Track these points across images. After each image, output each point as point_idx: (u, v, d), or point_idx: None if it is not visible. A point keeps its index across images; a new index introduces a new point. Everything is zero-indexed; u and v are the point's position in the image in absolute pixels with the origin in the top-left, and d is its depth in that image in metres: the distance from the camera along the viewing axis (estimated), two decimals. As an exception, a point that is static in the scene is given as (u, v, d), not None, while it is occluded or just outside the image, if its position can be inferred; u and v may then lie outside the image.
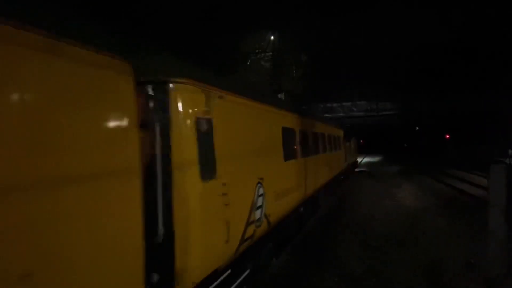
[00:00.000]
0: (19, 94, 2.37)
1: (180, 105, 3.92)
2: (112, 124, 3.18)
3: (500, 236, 6.72)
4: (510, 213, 6.68)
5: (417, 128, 57.98)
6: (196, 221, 4.07)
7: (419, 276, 7.06)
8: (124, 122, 3.30)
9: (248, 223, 5.53)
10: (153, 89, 3.77)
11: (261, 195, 6.10)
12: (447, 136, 47.72)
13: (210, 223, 4.39)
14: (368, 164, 44.10)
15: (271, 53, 25.92)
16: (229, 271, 4.95)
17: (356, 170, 32.07)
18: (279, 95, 22.58)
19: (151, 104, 3.77)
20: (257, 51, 25.31)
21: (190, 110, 4.08)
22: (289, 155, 8.15)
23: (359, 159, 40.26)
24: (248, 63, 25.24)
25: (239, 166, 5.37)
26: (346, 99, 36.79)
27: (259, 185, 6.03)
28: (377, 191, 18.70)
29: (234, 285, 5.14)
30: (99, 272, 2.96)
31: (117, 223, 3.14)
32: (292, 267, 7.40)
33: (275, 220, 6.98)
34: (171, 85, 3.87)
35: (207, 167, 4.30)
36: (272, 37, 25.16)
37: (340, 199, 16.62)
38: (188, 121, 4.04)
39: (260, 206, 6.06)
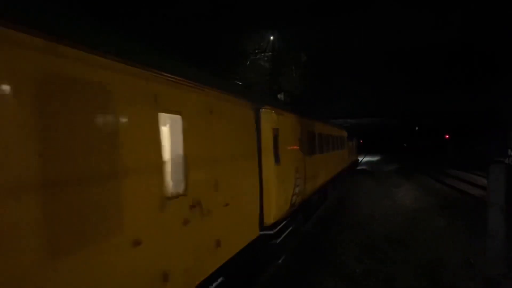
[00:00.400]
0: (229, 125, 5.65)
1: (264, 120, 7.07)
2: (249, 130, 6.61)
3: (499, 235, 6.74)
4: (509, 213, 6.69)
5: (416, 128, 58.02)
6: (270, 187, 7.08)
7: (419, 276, 7.08)
8: (252, 129, 6.75)
9: (292, 195, 8.62)
10: (254, 112, 6.88)
11: (298, 178, 9.19)
12: (447, 136, 47.75)
13: (277, 190, 7.38)
14: (368, 163, 44.22)
15: (270, 53, 25.91)
16: (284, 222, 7.93)
17: (358, 168, 34.13)
18: (279, 95, 22.58)
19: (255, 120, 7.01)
20: (256, 51, 25.30)
21: (269, 123, 7.20)
22: (311, 152, 11.37)
23: (359, 158, 43.12)
24: (248, 63, 25.23)
25: (288, 158, 8.35)
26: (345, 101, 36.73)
27: (295, 170, 9.03)
28: (377, 192, 18.71)
29: (285, 233, 7.93)
30: (250, 207, 6.57)
31: (255, 181, 6.76)
32: (314, 232, 10.78)
33: (304, 197, 10.07)
34: (262, 110, 7.07)
35: (276, 157, 7.41)
36: (271, 37, 25.16)
37: (343, 198, 16.64)
38: (268, 129, 7.18)
39: (298, 185, 9.12)
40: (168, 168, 4.19)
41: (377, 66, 36.20)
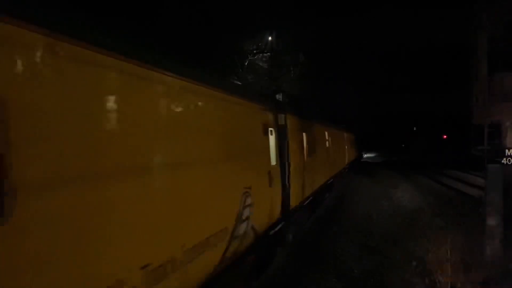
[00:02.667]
0: (253, 127, 6.93)
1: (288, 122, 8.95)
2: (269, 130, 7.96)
3: (496, 235, 6.77)
4: (506, 212, 6.73)
5: (414, 129, 58.17)
6: (294, 178, 9.03)
7: (415, 276, 7.10)
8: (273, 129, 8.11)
9: (304, 187, 10.40)
10: (274, 115, 8.34)
11: (311, 171, 11.44)
12: (445, 136, 47.91)
13: (296, 182, 9.34)
14: (369, 162, 44.46)
15: (269, 53, 25.92)
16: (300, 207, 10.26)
17: (362, 160, 45.24)
18: (277, 96, 22.51)
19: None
20: (255, 51, 25.30)
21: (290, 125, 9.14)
22: (320, 150, 13.90)
23: (362, 155, 52.83)
24: (246, 63, 25.24)
25: (309, 156, 11.34)
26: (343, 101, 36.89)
27: (309, 167, 11.24)
28: (375, 191, 18.77)
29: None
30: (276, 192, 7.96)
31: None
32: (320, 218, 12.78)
33: (314, 189, 12.02)
34: (287, 116, 8.84)
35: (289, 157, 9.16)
36: (270, 38, 25.16)
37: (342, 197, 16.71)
38: (290, 130, 9.00)
39: (313, 176, 11.79)
40: (270, 154, 7.61)
41: (376, 66, 36.33)
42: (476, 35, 13.30)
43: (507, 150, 7.17)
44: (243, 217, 5.75)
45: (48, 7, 2.82)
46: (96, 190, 2.89)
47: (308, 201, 10.95)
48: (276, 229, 7.58)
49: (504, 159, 7.11)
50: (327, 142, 15.71)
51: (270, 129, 7.64)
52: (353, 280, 7.07)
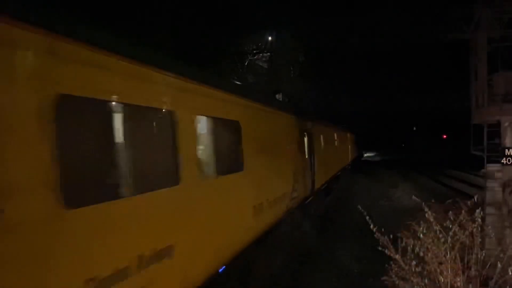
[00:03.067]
0: (298, 132, 10.79)
1: (314, 131, 12.88)
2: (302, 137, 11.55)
3: (496, 235, 6.77)
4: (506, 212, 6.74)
5: (414, 129, 58.17)
6: (317, 169, 12.68)
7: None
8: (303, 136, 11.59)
9: (322, 176, 13.88)
10: (306, 122, 11.83)
11: (327, 165, 15.18)
12: (445, 136, 47.92)
13: (320, 172, 13.33)
14: (369, 161, 44.52)
15: (269, 53, 25.89)
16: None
17: (362, 159, 49.33)
18: (277, 96, 22.59)
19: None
20: (255, 51, 25.28)
21: (311, 132, 12.35)
22: (332, 148, 17.32)
23: (363, 153, 56.76)
24: (246, 63, 25.22)
25: (324, 153, 14.79)
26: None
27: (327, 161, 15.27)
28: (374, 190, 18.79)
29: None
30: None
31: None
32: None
33: (327, 179, 15.69)
34: (313, 124, 12.65)
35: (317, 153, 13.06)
36: (270, 38, 25.14)
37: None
38: (314, 133, 12.64)
39: (327, 170, 15.38)
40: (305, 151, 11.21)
41: (376, 66, 36.27)
42: (476, 34, 13.29)
43: (506, 150, 7.19)
44: (294, 189, 9.75)
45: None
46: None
47: (324, 186, 15.17)
48: (308, 200, 11.77)
49: (504, 159, 7.12)
50: (336, 142, 19.78)
51: (305, 133, 11.48)
52: (349, 229, 10.94)
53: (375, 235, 4.63)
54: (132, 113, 3.66)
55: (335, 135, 19.52)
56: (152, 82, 3.97)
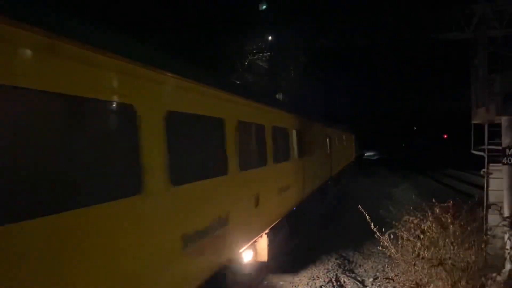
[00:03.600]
0: (322, 136, 14.99)
1: (328, 133, 16.56)
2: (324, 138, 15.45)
3: (497, 235, 6.76)
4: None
5: (415, 128, 58.14)
6: (334, 161, 17.76)
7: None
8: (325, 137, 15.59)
9: (336, 166, 18.48)
10: (326, 127, 16.42)
11: (337, 160, 19.31)
12: (445, 136, 47.88)
13: (334, 163, 17.79)
14: (370, 159, 44.57)
15: (269, 53, 25.87)
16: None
17: (363, 158, 52.55)
18: (277, 95, 22.56)
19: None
20: (255, 51, 25.26)
21: (328, 134, 16.40)
22: (340, 146, 20.36)
23: (364, 152, 59.11)
24: (246, 63, 25.20)
25: (336, 150, 18.71)
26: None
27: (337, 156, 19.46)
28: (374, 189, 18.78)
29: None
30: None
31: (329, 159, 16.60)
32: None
33: (339, 169, 19.99)
34: (328, 128, 16.62)
35: (331, 149, 17.15)
36: (270, 37, 25.11)
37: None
38: (328, 137, 16.21)
39: (338, 164, 19.63)
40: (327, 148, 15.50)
41: (376, 66, 36.26)
42: (476, 33, 13.26)
43: (507, 150, 7.16)
44: (320, 173, 13.73)
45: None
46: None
47: (336, 174, 18.96)
48: (328, 183, 16.14)
49: (505, 158, 7.09)
50: (344, 142, 23.59)
51: (326, 135, 15.39)
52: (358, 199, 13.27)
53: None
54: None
55: (344, 136, 23.94)
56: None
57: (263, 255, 7.24)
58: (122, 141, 3.41)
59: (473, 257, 5.21)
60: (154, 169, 3.64)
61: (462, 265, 5.08)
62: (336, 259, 9.05)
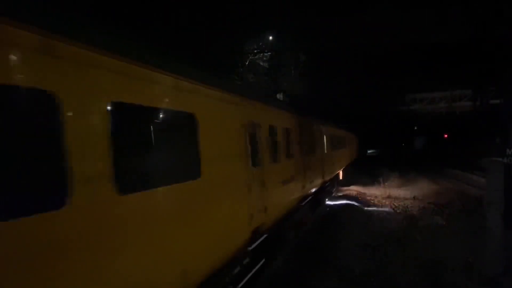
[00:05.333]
0: (319, 135, 14.30)
1: (324, 132, 16.03)
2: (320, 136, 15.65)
3: (497, 234, 6.75)
4: (507, 211, 6.70)
5: (415, 128, 58.06)
6: (338, 159, 20.34)
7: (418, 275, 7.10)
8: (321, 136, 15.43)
9: (342, 163, 22.04)
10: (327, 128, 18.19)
11: (342, 159, 22.09)
12: (446, 135, 47.80)
13: (341, 161, 21.65)
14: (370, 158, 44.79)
15: (269, 53, 25.88)
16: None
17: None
18: (278, 95, 22.58)
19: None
20: (255, 51, 25.27)
21: (326, 134, 16.27)
22: (342, 146, 21.80)
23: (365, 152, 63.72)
24: (247, 63, 25.21)
25: (339, 148, 20.64)
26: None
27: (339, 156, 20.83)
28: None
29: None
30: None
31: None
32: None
33: (346, 164, 24.16)
34: (322, 127, 15.89)
35: (331, 148, 18.17)
36: (270, 37, 25.11)
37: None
38: (326, 136, 16.19)
39: (343, 162, 23.07)
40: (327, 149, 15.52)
41: (377, 66, 36.20)
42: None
43: (507, 149, 7.14)
44: (322, 171, 13.99)
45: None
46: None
47: (342, 168, 21.72)
48: (334, 175, 18.15)
49: (505, 158, 7.06)
50: (350, 142, 26.39)
51: (324, 134, 14.91)
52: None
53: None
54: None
55: (351, 137, 27.38)
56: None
57: (342, 176, 21.07)
58: (188, 141, 4.52)
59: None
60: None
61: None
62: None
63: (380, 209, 14.26)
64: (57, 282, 2.54)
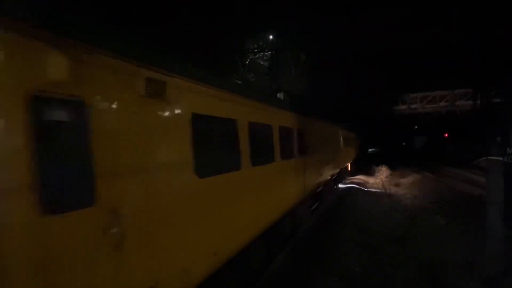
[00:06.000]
0: (336, 136, 18.62)
1: (340, 134, 20.47)
2: (338, 137, 19.69)
3: (497, 233, 6.74)
4: (507, 211, 6.70)
5: (415, 127, 58.04)
6: (346, 155, 23.58)
7: (418, 275, 7.10)
8: (338, 136, 19.89)
9: (348, 158, 24.74)
10: (340, 130, 21.20)
11: (348, 156, 24.80)
12: (446, 135, 47.78)
13: (346, 159, 23.64)
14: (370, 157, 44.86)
15: (270, 52, 25.87)
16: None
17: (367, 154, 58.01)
18: (278, 95, 22.56)
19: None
20: (256, 50, 25.26)
21: (341, 135, 20.57)
22: (348, 145, 22.96)
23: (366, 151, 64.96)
24: (247, 62, 25.21)
25: (347, 147, 23.22)
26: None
27: (350, 152, 25.90)
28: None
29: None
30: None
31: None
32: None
33: (352, 160, 27.50)
34: (340, 130, 20.39)
35: (344, 145, 21.99)
36: (271, 37, 25.11)
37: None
38: (341, 137, 20.30)
39: (349, 158, 26.26)
40: (341, 145, 19.42)
41: (377, 65, 36.11)
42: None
43: (508, 149, 7.14)
44: (336, 164, 17.24)
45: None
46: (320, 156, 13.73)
47: (346, 165, 23.61)
48: (339, 171, 19.36)
49: (506, 157, 7.07)
50: (354, 142, 28.61)
51: (340, 135, 18.52)
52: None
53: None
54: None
55: (354, 137, 29.76)
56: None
57: (350, 168, 25.28)
58: (238, 140, 5.74)
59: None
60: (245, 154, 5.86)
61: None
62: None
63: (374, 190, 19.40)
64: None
